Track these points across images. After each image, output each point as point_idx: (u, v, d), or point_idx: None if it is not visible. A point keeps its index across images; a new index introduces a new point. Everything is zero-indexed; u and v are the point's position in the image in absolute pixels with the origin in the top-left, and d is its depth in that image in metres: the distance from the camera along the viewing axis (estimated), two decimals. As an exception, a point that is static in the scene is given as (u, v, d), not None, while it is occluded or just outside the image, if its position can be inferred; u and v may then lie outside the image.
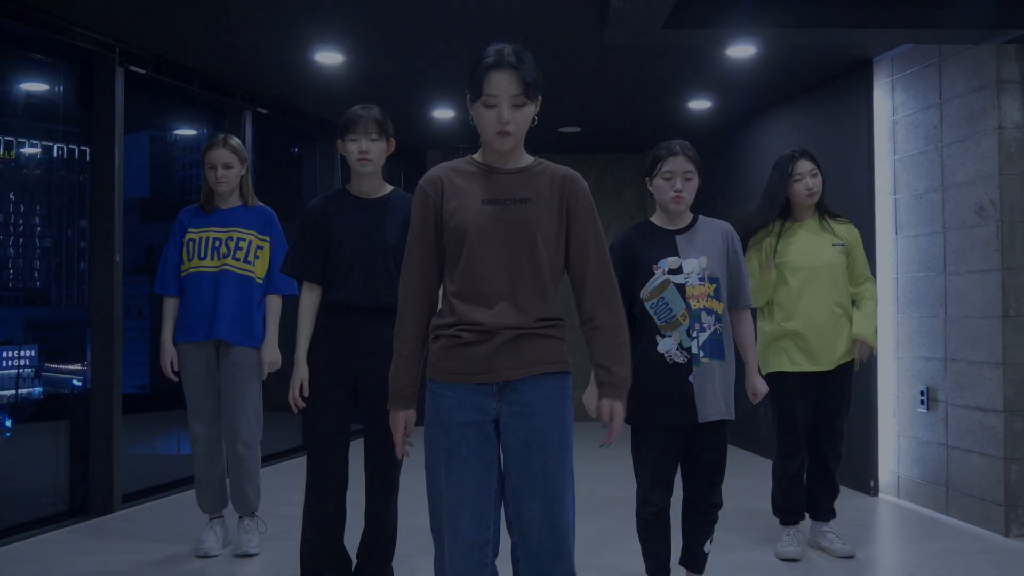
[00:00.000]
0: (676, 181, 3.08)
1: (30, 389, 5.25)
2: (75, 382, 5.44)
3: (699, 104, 6.73)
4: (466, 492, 2.28)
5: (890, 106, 5.33)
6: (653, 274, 3.07)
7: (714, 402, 3.06)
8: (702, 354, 3.03)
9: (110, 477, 4.93)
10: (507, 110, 2.25)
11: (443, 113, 6.98)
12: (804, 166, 3.96)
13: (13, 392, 5.18)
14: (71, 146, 5.30)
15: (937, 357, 4.87)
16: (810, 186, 3.95)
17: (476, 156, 2.39)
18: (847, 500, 4.04)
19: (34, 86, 5.19)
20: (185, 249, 4.05)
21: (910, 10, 4.37)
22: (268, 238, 4.10)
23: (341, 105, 6.92)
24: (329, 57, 5.41)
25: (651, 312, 3.06)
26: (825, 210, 4.05)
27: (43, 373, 5.35)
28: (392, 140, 3.36)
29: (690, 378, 3.03)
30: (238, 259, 4.01)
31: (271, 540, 4.19)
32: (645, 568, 3.24)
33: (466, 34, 4.97)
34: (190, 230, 4.06)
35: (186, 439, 4.25)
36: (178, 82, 5.61)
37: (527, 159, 2.38)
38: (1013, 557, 4.09)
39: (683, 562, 3.28)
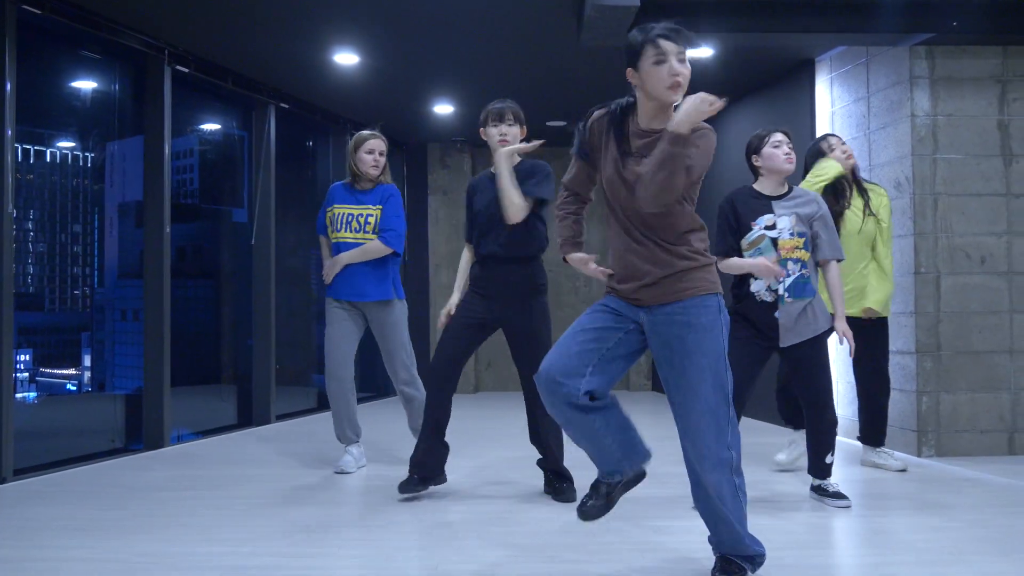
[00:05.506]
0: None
1: (24, 393, 5.34)
2: (69, 387, 5.60)
3: (670, 99, 7.53)
4: (578, 331, 2.66)
5: (829, 99, 6.18)
6: (751, 229, 3.81)
7: (798, 329, 3.76)
8: (787, 295, 3.78)
9: (161, 418, 5.73)
10: (676, 63, 2.70)
11: (443, 108, 7.80)
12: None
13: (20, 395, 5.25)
14: (64, 151, 5.36)
15: (867, 312, 5.69)
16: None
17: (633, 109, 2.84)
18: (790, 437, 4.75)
19: (46, 88, 5.26)
20: (329, 221, 4.74)
21: (843, 18, 5.15)
22: (381, 206, 4.69)
23: (353, 101, 7.80)
24: (346, 57, 6.23)
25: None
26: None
27: (37, 378, 5.56)
28: (524, 127, 4.02)
29: (776, 314, 3.78)
30: (368, 232, 4.66)
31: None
32: None
33: (463, 40, 5.78)
34: (336, 205, 4.72)
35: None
36: (215, 80, 6.41)
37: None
38: (925, 471, 4.89)
39: (810, 471, 3.93)
